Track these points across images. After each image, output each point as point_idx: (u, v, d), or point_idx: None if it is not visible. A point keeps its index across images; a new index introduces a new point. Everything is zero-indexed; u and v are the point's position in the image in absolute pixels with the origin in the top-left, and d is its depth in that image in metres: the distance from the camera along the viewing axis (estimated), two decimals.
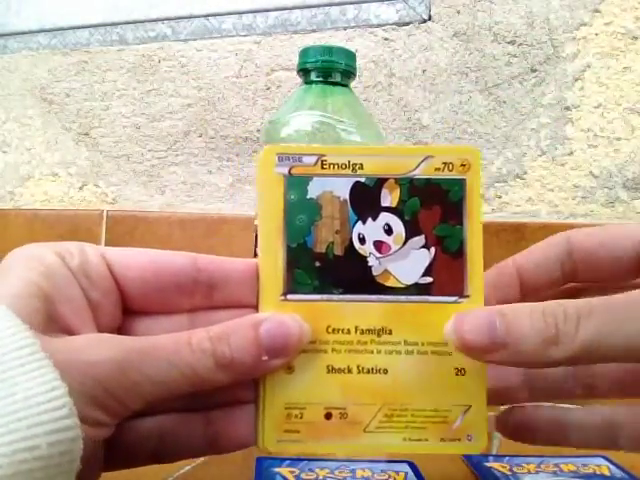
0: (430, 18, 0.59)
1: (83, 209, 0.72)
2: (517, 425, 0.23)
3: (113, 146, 0.71)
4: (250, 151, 0.65)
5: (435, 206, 0.23)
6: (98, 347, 0.19)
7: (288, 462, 0.34)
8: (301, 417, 0.23)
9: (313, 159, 0.23)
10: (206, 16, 0.67)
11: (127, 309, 0.23)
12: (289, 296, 0.23)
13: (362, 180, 0.23)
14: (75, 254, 0.22)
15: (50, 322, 0.20)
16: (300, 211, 0.23)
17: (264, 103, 0.65)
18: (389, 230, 0.23)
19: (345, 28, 0.62)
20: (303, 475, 0.32)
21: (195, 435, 0.23)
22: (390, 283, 0.23)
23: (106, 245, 0.68)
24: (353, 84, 0.46)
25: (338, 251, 0.23)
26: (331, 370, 0.23)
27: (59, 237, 0.70)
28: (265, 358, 0.21)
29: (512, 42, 0.57)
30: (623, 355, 0.20)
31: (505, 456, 0.37)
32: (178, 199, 0.68)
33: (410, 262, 0.23)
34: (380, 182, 0.23)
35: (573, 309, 0.20)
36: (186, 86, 0.68)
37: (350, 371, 0.23)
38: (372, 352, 0.23)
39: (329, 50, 0.44)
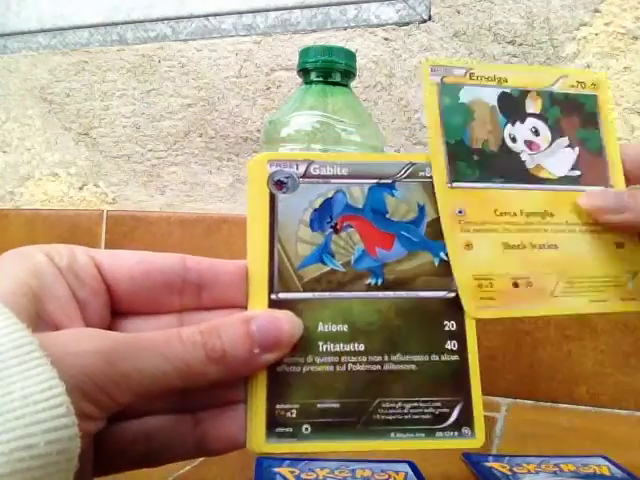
0: (430, 18, 0.59)
1: (83, 209, 0.72)
2: None
3: (113, 146, 0.71)
4: (250, 151, 0.65)
5: (574, 115, 0.27)
6: (85, 339, 0.19)
7: (288, 462, 0.34)
8: (491, 286, 0.24)
9: (462, 71, 0.26)
10: (206, 16, 0.67)
11: (116, 310, 0.23)
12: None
13: (508, 91, 0.27)
14: (64, 254, 0.22)
15: (38, 320, 0.20)
16: (455, 113, 0.26)
17: (264, 103, 0.65)
18: (536, 132, 0.27)
19: (345, 28, 0.62)
20: (303, 475, 0.32)
21: (184, 437, 0.22)
22: (543, 175, 0.26)
23: (106, 245, 0.68)
24: (353, 84, 0.46)
25: (493, 147, 0.26)
26: (508, 246, 0.25)
27: (59, 237, 0.70)
28: (257, 351, 0.21)
29: (512, 42, 0.57)
30: None
31: (505, 456, 0.37)
32: (178, 199, 0.68)
33: (559, 158, 0.27)
34: (524, 93, 0.27)
35: None
36: (186, 86, 0.68)
37: (524, 247, 0.25)
38: (540, 231, 0.25)
39: (329, 50, 0.44)
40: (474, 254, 0.24)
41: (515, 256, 0.25)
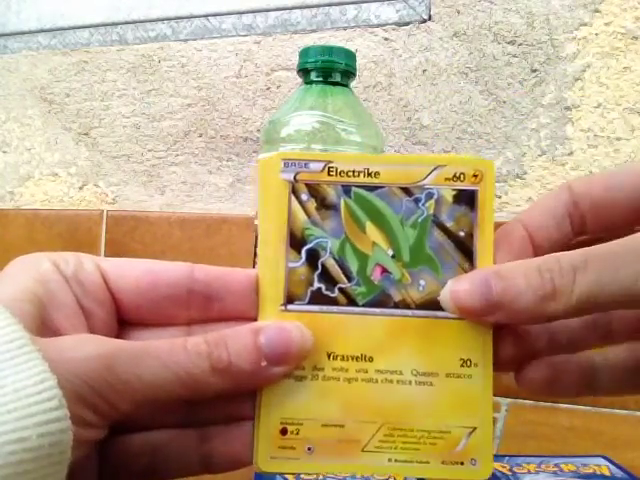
0: (430, 18, 0.59)
1: (83, 209, 0.72)
2: (546, 377, 0.22)
3: (113, 146, 0.71)
4: (250, 151, 0.65)
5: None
6: (85, 345, 0.19)
7: None
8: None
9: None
10: (206, 16, 0.67)
11: (123, 320, 0.23)
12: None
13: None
14: (70, 262, 0.22)
15: (43, 326, 0.20)
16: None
17: (264, 103, 0.65)
18: None
19: (345, 28, 0.62)
20: (303, 475, 0.32)
21: (189, 452, 0.22)
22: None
23: (106, 245, 0.68)
24: (353, 84, 0.46)
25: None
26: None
27: (59, 237, 0.70)
28: (264, 364, 0.20)
29: (512, 42, 0.57)
30: (620, 303, 0.20)
31: (505, 456, 0.36)
32: (178, 199, 0.68)
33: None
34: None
35: (568, 262, 0.20)
36: (186, 86, 0.68)
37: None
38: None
39: (329, 50, 0.44)
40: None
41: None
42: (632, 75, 0.54)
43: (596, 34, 0.55)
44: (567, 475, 0.34)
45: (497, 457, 0.36)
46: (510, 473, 0.34)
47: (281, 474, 0.32)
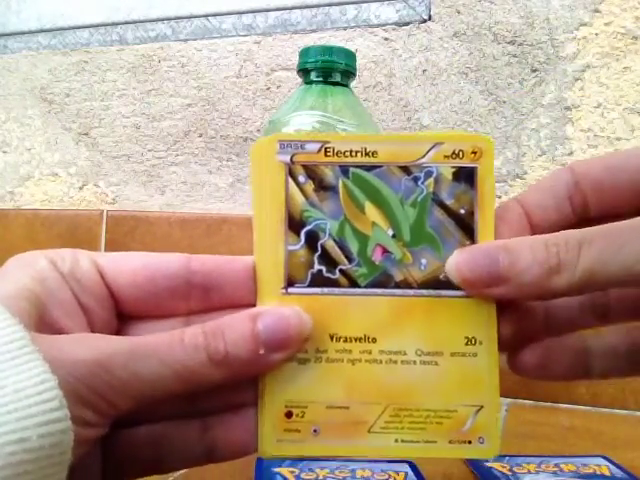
0: (430, 18, 0.59)
1: (83, 209, 0.72)
2: (539, 361, 0.22)
3: (113, 146, 0.71)
4: None
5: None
6: (82, 345, 0.19)
7: (288, 462, 0.34)
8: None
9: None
10: (206, 16, 0.67)
11: (122, 314, 0.23)
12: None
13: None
14: (66, 259, 0.22)
15: (43, 324, 0.20)
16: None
17: (264, 103, 0.65)
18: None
19: (345, 28, 0.62)
20: (303, 475, 0.32)
21: (192, 443, 0.22)
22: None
23: (106, 245, 0.68)
24: (353, 84, 0.46)
25: None
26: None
27: (59, 237, 0.70)
28: (262, 352, 0.20)
29: (512, 42, 0.57)
30: (623, 280, 0.20)
31: (505, 456, 0.36)
32: (178, 199, 0.68)
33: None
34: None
35: (574, 237, 0.20)
36: (186, 86, 0.68)
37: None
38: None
39: (329, 50, 0.44)
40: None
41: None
42: (632, 75, 0.54)
43: (596, 34, 0.55)
44: (567, 475, 0.34)
45: (497, 457, 0.36)
46: (510, 473, 0.34)
47: (281, 474, 0.33)
